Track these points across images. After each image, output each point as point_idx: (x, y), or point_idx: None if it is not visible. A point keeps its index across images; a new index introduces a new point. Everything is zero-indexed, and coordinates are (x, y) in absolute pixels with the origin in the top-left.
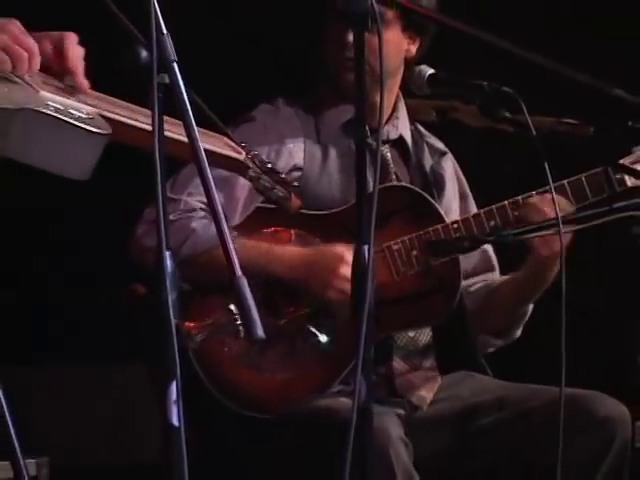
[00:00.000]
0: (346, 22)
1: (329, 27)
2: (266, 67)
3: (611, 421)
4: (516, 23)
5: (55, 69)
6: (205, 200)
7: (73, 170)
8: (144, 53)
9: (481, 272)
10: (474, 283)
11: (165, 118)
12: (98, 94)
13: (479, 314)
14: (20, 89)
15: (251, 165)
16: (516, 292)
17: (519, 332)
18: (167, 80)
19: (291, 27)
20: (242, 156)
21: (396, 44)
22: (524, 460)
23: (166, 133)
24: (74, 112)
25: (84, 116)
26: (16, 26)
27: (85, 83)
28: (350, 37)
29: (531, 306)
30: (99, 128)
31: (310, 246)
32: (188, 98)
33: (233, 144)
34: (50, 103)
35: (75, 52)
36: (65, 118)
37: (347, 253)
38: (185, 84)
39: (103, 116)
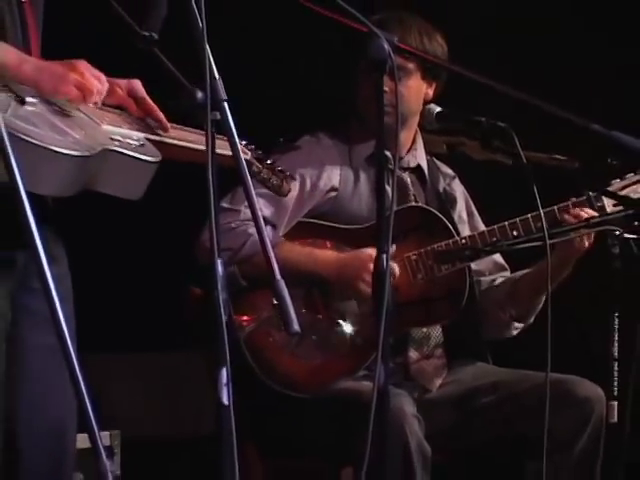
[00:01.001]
0: (370, 69)
1: (361, 74)
2: (309, 104)
3: (589, 401)
4: (517, 66)
5: (134, 112)
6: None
7: (131, 193)
8: (200, 94)
9: (496, 272)
10: (495, 279)
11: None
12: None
13: (506, 301)
14: (90, 129)
15: (254, 162)
16: (534, 284)
17: (533, 318)
18: (218, 117)
19: (329, 72)
20: (248, 155)
21: (416, 89)
22: (516, 433)
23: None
24: (131, 142)
25: (138, 144)
26: (84, 65)
27: (166, 121)
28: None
29: (543, 297)
30: (151, 156)
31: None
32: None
33: (242, 147)
34: (112, 136)
35: (147, 97)
36: (126, 152)
37: (370, 251)
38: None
39: (151, 140)
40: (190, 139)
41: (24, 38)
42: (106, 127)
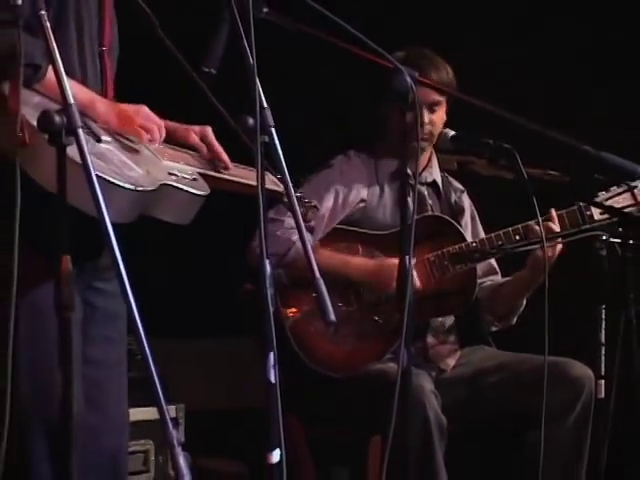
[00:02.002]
0: (395, 100)
1: (389, 103)
2: (342, 127)
3: (580, 379)
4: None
5: (205, 155)
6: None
7: (182, 219)
8: (251, 120)
9: (488, 274)
10: (484, 282)
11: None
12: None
13: (487, 302)
14: (152, 165)
15: (284, 194)
16: (515, 289)
17: (515, 320)
18: (267, 139)
19: (361, 101)
20: (281, 188)
21: (443, 117)
22: (517, 407)
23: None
24: (186, 176)
25: (191, 178)
26: (146, 110)
27: (229, 162)
28: (408, 116)
29: (524, 301)
30: (201, 190)
31: (373, 258)
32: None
33: (276, 180)
34: (171, 171)
35: (216, 142)
36: (181, 186)
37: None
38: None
39: (204, 174)
40: (240, 175)
41: (102, 83)
42: (166, 162)
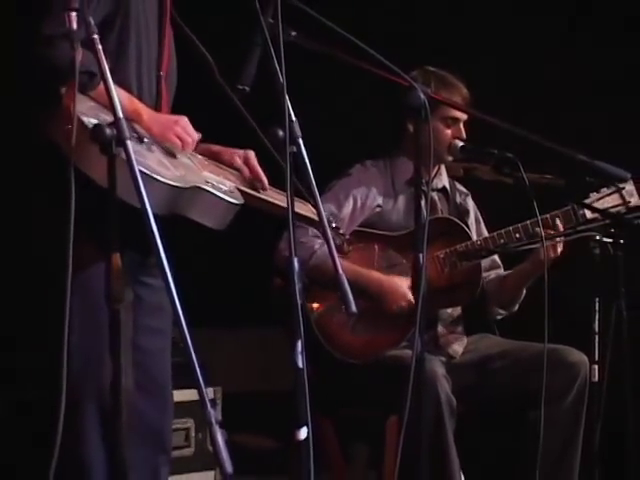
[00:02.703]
0: (410, 113)
1: (404, 117)
2: (360, 138)
3: (576, 364)
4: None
5: (247, 176)
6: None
7: (218, 224)
8: (280, 132)
9: (491, 269)
10: (489, 275)
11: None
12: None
13: (493, 293)
14: (190, 171)
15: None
16: (517, 280)
17: (516, 307)
18: (295, 149)
19: (379, 114)
20: (316, 217)
21: (461, 130)
22: (519, 389)
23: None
24: (222, 186)
25: (227, 189)
26: (186, 121)
27: (267, 184)
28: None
29: (524, 291)
30: (236, 199)
31: (384, 272)
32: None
33: (312, 209)
34: (208, 180)
35: (257, 165)
36: (217, 193)
37: (406, 283)
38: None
39: (239, 189)
40: (274, 197)
41: (156, 105)
42: (205, 173)
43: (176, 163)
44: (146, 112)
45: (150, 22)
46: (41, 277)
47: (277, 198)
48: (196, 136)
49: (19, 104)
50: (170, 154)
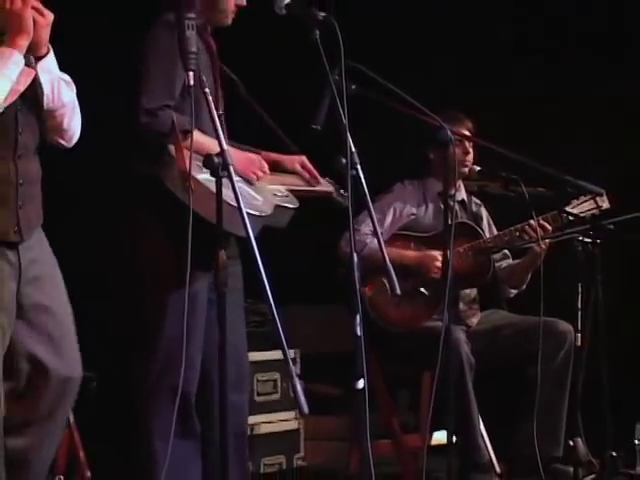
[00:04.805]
0: (438, 146)
1: (434, 148)
2: (400, 163)
3: (564, 332)
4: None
5: (305, 177)
6: (371, 228)
7: (279, 224)
8: (343, 160)
9: (504, 259)
10: (501, 264)
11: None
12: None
13: (506, 278)
14: (264, 192)
15: (334, 192)
16: (523, 268)
17: (524, 287)
18: (354, 173)
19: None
20: (331, 189)
21: (472, 156)
22: (521, 351)
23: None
24: (278, 194)
25: (285, 195)
26: (259, 159)
27: (320, 178)
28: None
29: (529, 275)
30: (292, 204)
31: (420, 251)
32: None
33: (329, 183)
34: (274, 192)
35: (312, 167)
36: (284, 204)
37: (438, 255)
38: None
39: (292, 190)
40: (318, 188)
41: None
42: (269, 186)
43: (256, 190)
44: (231, 150)
45: (206, 73)
46: (148, 290)
47: (326, 186)
48: (267, 169)
49: (135, 159)
50: (249, 182)
